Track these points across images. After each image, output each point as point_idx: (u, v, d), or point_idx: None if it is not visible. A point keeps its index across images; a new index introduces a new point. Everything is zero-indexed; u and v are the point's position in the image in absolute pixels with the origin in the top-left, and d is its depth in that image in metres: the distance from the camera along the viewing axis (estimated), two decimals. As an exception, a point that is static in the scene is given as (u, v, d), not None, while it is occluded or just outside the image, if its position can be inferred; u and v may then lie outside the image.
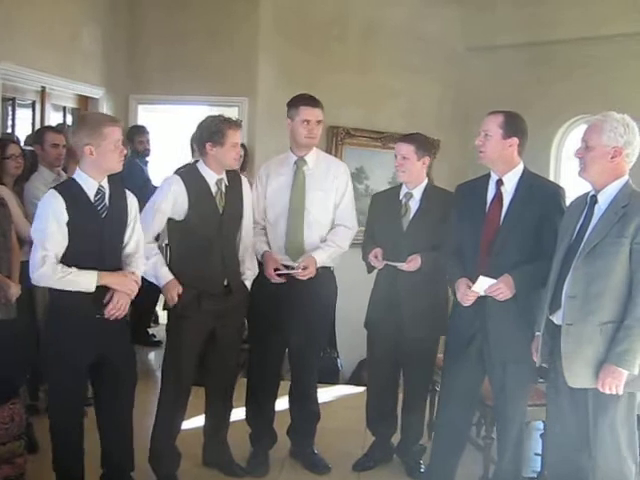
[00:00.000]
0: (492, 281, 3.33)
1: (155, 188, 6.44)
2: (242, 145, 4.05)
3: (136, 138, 6.59)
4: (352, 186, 4.14)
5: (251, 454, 4.13)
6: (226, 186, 3.77)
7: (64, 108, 6.23)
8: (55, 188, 3.26)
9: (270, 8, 6.86)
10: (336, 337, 6.29)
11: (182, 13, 6.82)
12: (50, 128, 5.06)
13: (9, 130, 5.50)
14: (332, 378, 6.06)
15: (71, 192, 3.23)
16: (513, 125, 3.43)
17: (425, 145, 3.95)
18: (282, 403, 4.20)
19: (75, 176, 3.30)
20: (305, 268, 3.83)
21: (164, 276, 3.70)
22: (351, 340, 5.82)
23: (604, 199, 3.05)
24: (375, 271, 4.03)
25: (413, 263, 3.82)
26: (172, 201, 3.69)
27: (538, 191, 3.43)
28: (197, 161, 3.86)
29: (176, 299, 3.67)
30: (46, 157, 4.66)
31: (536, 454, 4.18)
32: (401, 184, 4.04)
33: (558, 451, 3.30)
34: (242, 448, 4.13)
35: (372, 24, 7.13)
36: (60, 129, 4.99)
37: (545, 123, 6.28)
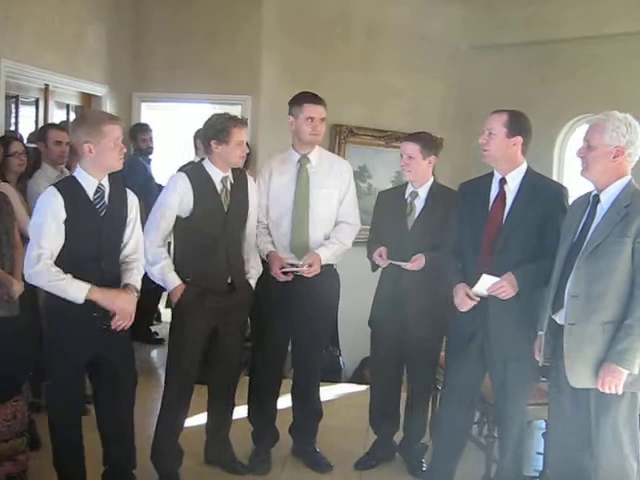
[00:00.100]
0: (495, 279, 3.33)
1: (158, 186, 6.51)
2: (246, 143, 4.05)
3: (139, 136, 6.59)
4: (354, 184, 4.14)
5: (253, 452, 4.14)
6: (232, 184, 3.77)
7: (67, 106, 6.23)
8: (55, 185, 3.26)
9: (273, 6, 6.85)
10: (338, 335, 6.30)
11: (186, 11, 6.82)
12: (53, 126, 5.06)
13: (12, 127, 5.49)
14: (334, 376, 6.07)
15: (70, 190, 3.22)
16: (517, 124, 3.42)
17: (431, 144, 3.95)
18: (284, 401, 4.20)
19: (75, 174, 3.30)
20: (310, 266, 3.83)
21: (172, 281, 3.70)
22: (354, 338, 5.83)
23: (606, 199, 3.05)
24: (379, 269, 4.03)
25: (417, 263, 3.82)
26: (179, 198, 3.69)
27: (541, 190, 3.43)
28: (203, 159, 3.86)
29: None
30: (49, 155, 4.67)
31: (538, 453, 4.19)
32: (407, 183, 4.03)
33: (560, 450, 3.31)
34: (244, 446, 4.13)
35: (375, 22, 7.12)
36: (63, 127, 4.99)
37: (548, 122, 6.27)
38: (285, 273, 3.86)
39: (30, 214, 4.11)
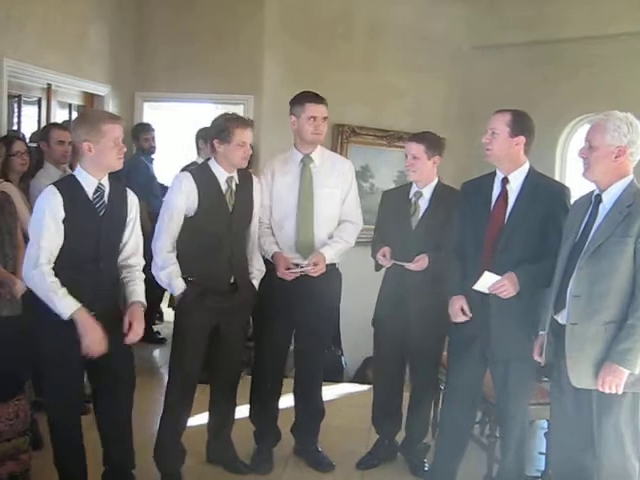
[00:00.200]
0: (496, 277, 3.33)
1: (160, 185, 6.52)
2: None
3: (141, 135, 6.59)
4: (357, 183, 4.14)
5: (255, 451, 4.14)
6: (237, 185, 3.77)
7: (70, 105, 6.24)
8: (54, 184, 3.26)
9: (276, 6, 6.86)
10: (340, 335, 6.30)
11: (189, 11, 6.83)
12: (56, 125, 5.07)
13: (15, 127, 5.50)
14: (336, 376, 6.08)
15: (70, 189, 3.22)
16: (520, 124, 3.42)
17: (436, 144, 3.95)
18: (286, 401, 4.20)
19: (75, 173, 3.30)
20: (315, 265, 3.84)
21: (178, 287, 3.69)
22: (356, 338, 5.83)
23: (609, 198, 3.05)
24: (383, 269, 4.04)
25: (420, 263, 3.82)
26: (185, 197, 3.67)
27: (543, 190, 3.43)
28: (209, 159, 3.86)
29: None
30: (52, 154, 4.68)
31: (540, 453, 4.18)
32: (411, 182, 4.03)
33: (562, 450, 3.30)
34: (246, 445, 4.13)
35: (378, 22, 7.13)
36: (66, 126, 5.00)
37: (551, 122, 6.27)
38: (292, 273, 3.86)
39: (32, 214, 4.13)
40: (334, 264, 4.01)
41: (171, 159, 7.59)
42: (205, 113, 8.12)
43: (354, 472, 4.12)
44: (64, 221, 3.16)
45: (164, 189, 6.21)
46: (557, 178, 6.18)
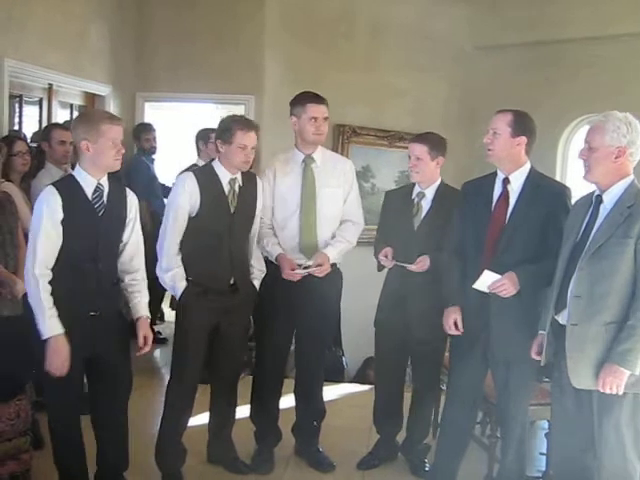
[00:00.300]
0: (497, 276, 3.33)
1: (161, 185, 6.52)
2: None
3: (142, 136, 6.59)
4: (358, 183, 4.15)
5: (256, 451, 4.14)
6: (240, 186, 3.76)
7: (71, 105, 6.24)
8: (53, 184, 3.25)
9: (276, 5, 6.85)
10: (341, 335, 6.30)
11: (190, 11, 6.82)
12: (57, 125, 5.07)
13: (16, 127, 5.50)
14: (337, 376, 6.08)
15: (69, 189, 3.22)
16: (522, 124, 3.42)
17: (439, 145, 3.94)
18: (287, 401, 4.20)
19: (74, 173, 3.30)
20: (319, 265, 3.83)
21: (181, 288, 3.70)
22: (356, 338, 5.84)
23: (609, 199, 3.04)
24: (385, 269, 4.03)
25: (421, 264, 3.82)
26: (188, 197, 3.67)
27: (544, 190, 3.43)
28: (213, 159, 3.86)
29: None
30: (53, 154, 4.68)
31: (541, 453, 4.18)
32: (414, 182, 4.02)
33: (563, 450, 3.31)
34: (247, 445, 4.13)
35: (379, 22, 7.13)
36: (67, 126, 5.00)
37: (552, 122, 6.28)
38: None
39: (34, 214, 4.14)
40: (335, 264, 4.01)
41: (172, 159, 7.60)
42: (206, 113, 8.15)
43: (355, 472, 4.12)
44: (63, 222, 3.16)
45: (165, 189, 6.23)
46: (558, 178, 6.18)
